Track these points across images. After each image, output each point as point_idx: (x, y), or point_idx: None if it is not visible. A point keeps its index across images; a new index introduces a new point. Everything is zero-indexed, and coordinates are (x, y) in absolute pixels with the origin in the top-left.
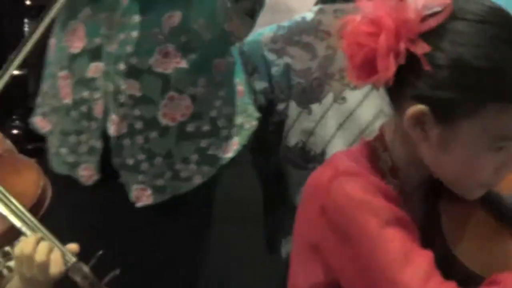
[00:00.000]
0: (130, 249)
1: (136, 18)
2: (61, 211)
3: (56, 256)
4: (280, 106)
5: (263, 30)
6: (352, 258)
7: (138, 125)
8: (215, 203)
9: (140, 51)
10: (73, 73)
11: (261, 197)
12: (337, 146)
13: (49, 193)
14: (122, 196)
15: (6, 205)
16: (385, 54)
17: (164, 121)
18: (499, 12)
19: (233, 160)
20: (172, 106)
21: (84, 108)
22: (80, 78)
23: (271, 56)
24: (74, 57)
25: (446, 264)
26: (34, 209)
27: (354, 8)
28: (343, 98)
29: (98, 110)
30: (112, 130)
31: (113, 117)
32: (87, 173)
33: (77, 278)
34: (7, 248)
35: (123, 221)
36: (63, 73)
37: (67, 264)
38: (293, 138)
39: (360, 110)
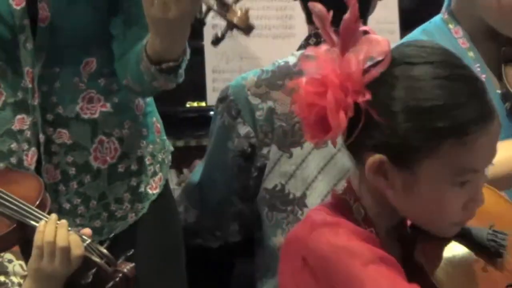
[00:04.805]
0: None
1: (56, 69)
2: None
3: (74, 238)
4: (264, 151)
5: (247, 74)
6: None
7: (72, 171)
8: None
9: (65, 100)
10: None
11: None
12: (318, 189)
13: (49, 200)
14: None
15: (13, 204)
16: (335, 110)
17: (95, 164)
18: (437, 51)
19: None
20: (102, 149)
21: (13, 160)
22: (6, 130)
23: (254, 100)
24: None
25: None
26: (39, 208)
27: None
28: (324, 142)
29: (29, 160)
30: (46, 178)
31: (47, 166)
32: None
33: (95, 258)
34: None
35: None
36: None
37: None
38: (272, 181)
39: (341, 154)
